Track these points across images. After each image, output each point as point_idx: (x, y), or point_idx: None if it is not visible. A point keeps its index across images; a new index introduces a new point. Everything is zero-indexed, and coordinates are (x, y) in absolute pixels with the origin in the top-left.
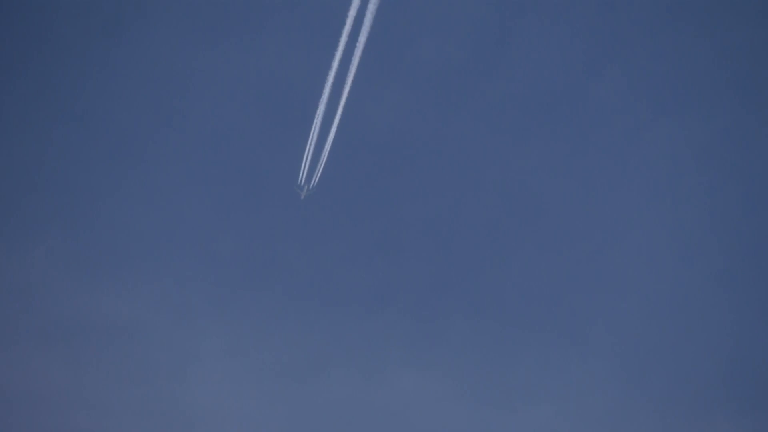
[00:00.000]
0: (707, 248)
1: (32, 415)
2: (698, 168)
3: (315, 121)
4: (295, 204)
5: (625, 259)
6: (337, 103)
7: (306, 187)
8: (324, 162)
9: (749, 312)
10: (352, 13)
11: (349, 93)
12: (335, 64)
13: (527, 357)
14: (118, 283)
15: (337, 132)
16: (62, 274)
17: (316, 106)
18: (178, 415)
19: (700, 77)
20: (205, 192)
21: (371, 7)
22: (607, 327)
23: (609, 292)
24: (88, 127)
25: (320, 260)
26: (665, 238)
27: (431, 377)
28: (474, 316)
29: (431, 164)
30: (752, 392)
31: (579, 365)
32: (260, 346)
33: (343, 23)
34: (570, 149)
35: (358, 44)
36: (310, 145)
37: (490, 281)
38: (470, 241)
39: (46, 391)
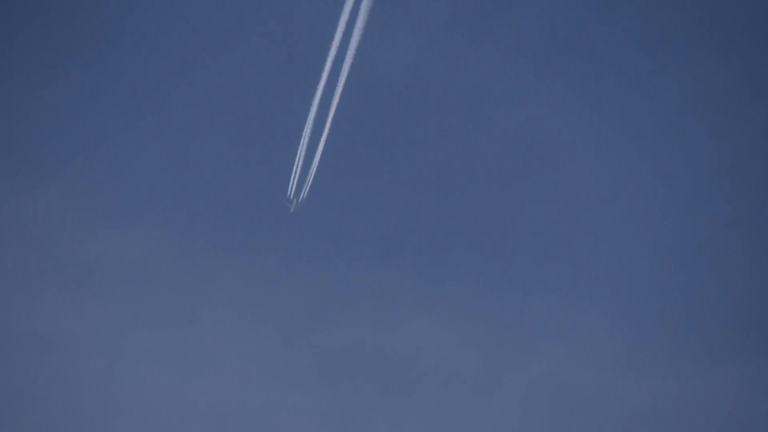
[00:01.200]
0: (717, 193)
1: (42, 358)
2: (709, 112)
3: (325, 65)
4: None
5: (634, 203)
6: (347, 46)
7: (295, 200)
8: (336, 106)
9: (760, 256)
10: None
11: (362, 36)
12: (347, 8)
13: (538, 302)
14: (129, 225)
15: (348, 75)
16: (72, 216)
17: (327, 50)
18: (188, 358)
19: (713, 22)
20: (215, 136)
21: None
22: (617, 271)
23: (618, 237)
24: (99, 70)
25: (331, 206)
26: (675, 183)
27: (443, 322)
28: (485, 261)
29: (443, 109)
30: (763, 336)
31: (589, 309)
32: (271, 291)
33: None
34: (581, 94)
35: None
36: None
37: (501, 227)
38: (481, 187)
39: (56, 334)
